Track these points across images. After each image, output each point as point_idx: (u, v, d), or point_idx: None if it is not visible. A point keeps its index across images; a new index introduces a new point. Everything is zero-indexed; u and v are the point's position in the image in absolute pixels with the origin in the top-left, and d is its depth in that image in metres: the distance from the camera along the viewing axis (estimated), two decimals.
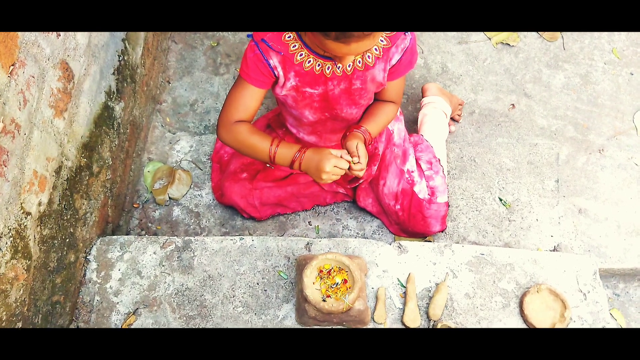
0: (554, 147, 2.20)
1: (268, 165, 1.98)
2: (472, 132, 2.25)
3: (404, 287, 1.69)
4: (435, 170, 1.98)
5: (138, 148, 2.10)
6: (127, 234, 1.99)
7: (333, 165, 1.51)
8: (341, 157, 1.53)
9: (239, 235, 1.98)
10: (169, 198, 2.06)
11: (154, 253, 1.74)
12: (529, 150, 2.19)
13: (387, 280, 1.70)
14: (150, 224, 2.03)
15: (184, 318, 1.65)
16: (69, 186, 1.57)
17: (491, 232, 2.04)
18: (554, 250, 2.01)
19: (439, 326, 1.61)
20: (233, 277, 1.70)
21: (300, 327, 1.64)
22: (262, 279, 1.70)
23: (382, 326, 1.64)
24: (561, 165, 2.18)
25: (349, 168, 1.55)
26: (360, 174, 1.57)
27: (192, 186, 2.10)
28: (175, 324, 1.64)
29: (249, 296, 1.68)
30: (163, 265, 1.72)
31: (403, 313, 1.64)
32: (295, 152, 1.54)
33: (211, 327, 1.63)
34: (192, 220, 2.04)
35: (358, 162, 1.55)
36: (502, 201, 2.09)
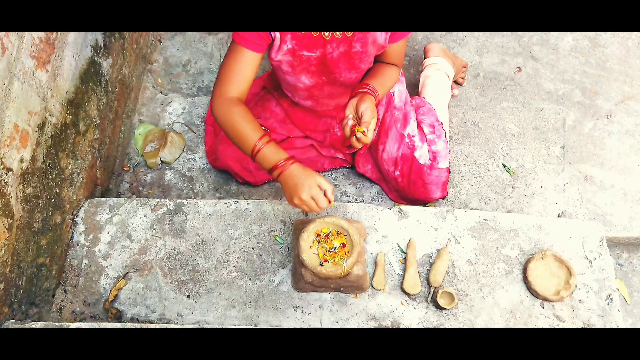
0: (560, 112, 2.13)
1: (264, 128, 1.90)
2: (476, 95, 2.17)
3: (404, 252, 1.63)
4: (437, 134, 1.90)
5: (128, 109, 2.02)
6: (117, 197, 1.91)
7: (310, 195, 1.33)
8: (325, 194, 1.36)
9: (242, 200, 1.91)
10: (161, 161, 1.98)
11: (145, 216, 1.67)
12: (535, 115, 2.12)
13: (387, 246, 1.64)
14: (141, 188, 1.96)
15: (176, 283, 1.59)
16: (53, 144, 1.49)
17: (494, 199, 1.97)
18: (558, 217, 1.95)
19: (439, 293, 1.56)
20: (227, 242, 1.64)
21: (297, 291, 1.58)
22: (257, 243, 1.64)
23: (381, 292, 1.59)
24: (567, 131, 2.10)
25: (357, 138, 1.44)
26: (366, 142, 1.46)
27: (184, 149, 2.02)
28: (166, 289, 1.58)
29: (244, 261, 1.61)
30: (154, 229, 1.65)
31: (403, 279, 1.59)
32: (281, 160, 1.36)
33: (204, 291, 1.58)
34: (185, 185, 1.97)
35: (364, 133, 1.43)
36: (506, 167, 2.02)
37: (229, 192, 1.96)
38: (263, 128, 1.90)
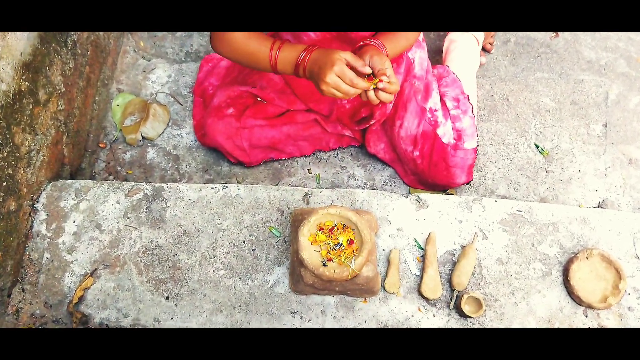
0: (602, 84, 1.85)
1: (259, 99, 1.64)
2: (506, 64, 1.89)
3: (423, 249, 1.38)
4: (463, 109, 1.63)
5: (104, 76, 1.75)
6: (91, 179, 1.67)
7: (336, 74, 1.15)
8: (352, 67, 1.17)
9: (225, 183, 1.66)
10: (142, 137, 1.72)
11: (117, 202, 1.42)
12: (573, 87, 1.84)
13: (402, 241, 1.39)
14: (119, 168, 1.71)
15: (153, 282, 1.35)
16: (3, 115, 1.24)
17: (524, 185, 1.71)
18: (598, 207, 1.69)
19: (464, 298, 1.31)
20: (214, 234, 1.39)
21: (295, 294, 1.34)
22: (250, 236, 1.39)
23: (394, 296, 1.34)
24: (610, 107, 1.82)
25: (373, 89, 1.20)
26: (389, 98, 1.21)
27: (169, 124, 1.76)
28: (142, 289, 1.34)
29: (233, 257, 1.37)
30: (128, 217, 1.40)
31: (421, 281, 1.34)
32: (301, 53, 1.22)
33: (185, 292, 1.34)
34: (170, 165, 1.72)
35: (388, 82, 1.18)
36: (539, 148, 1.75)
37: (219, 174, 1.71)
38: (259, 99, 1.65)
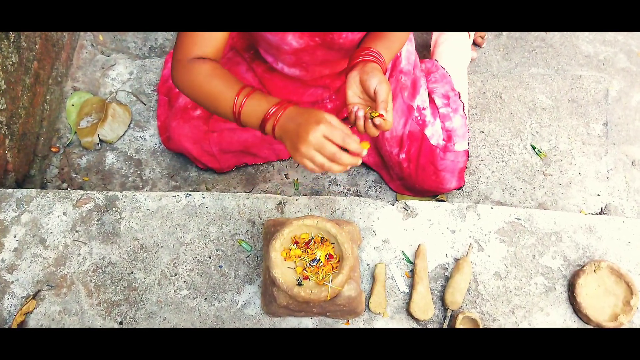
0: (602, 80, 1.72)
1: None
2: (499, 59, 1.75)
3: (412, 263, 1.23)
4: (453, 107, 1.49)
5: (57, 73, 1.58)
6: (42, 187, 1.49)
7: (322, 134, 0.91)
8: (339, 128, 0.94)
9: (193, 190, 1.50)
10: (100, 140, 1.55)
11: (64, 214, 1.25)
12: (571, 84, 1.71)
13: (389, 254, 1.24)
14: (74, 175, 1.53)
15: (105, 305, 1.18)
16: None
17: (521, 190, 1.57)
18: (601, 213, 1.55)
19: (459, 318, 1.16)
20: (175, 248, 1.22)
21: (269, 317, 1.18)
22: (217, 250, 1.23)
23: (380, 317, 1.19)
24: (611, 105, 1.69)
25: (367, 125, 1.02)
26: (388, 126, 1.02)
27: (131, 125, 1.59)
28: (91, 313, 1.17)
29: (198, 274, 1.20)
30: (77, 231, 1.23)
31: (410, 299, 1.19)
32: (272, 106, 0.97)
33: (142, 316, 1.17)
34: (132, 171, 1.55)
35: (383, 117, 1.00)
36: (536, 150, 1.61)
37: (187, 181, 1.54)
38: (248, 88, 1.48)
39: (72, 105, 1.59)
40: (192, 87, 1.05)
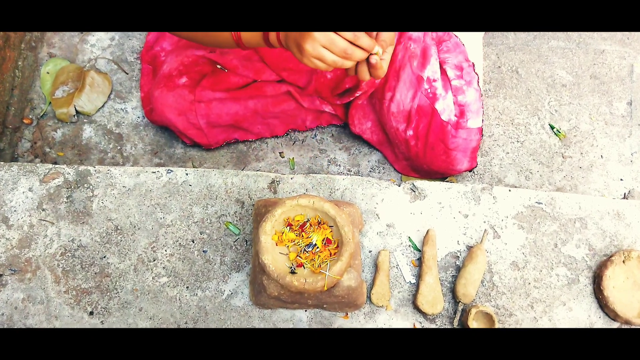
0: (626, 55, 1.58)
1: (219, 66, 1.33)
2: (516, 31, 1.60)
3: (419, 250, 1.10)
4: (467, 79, 1.34)
5: (31, 37, 1.43)
6: (12, 161, 1.35)
7: (320, 44, 0.87)
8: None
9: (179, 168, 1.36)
10: (77, 112, 1.41)
11: (30, 190, 1.11)
12: (593, 59, 1.57)
13: (394, 240, 1.10)
14: (48, 149, 1.40)
15: (73, 292, 1.04)
16: None
17: (537, 173, 1.43)
18: (624, 199, 1.42)
19: (472, 313, 1.03)
20: (154, 230, 1.09)
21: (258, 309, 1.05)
22: (200, 233, 1.09)
23: (383, 310, 1.06)
24: (636, 82, 1.55)
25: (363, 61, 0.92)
26: (383, 71, 0.93)
27: (111, 96, 1.45)
28: (59, 301, 1.04)
29: (179, 260, 1.07)
30: (43, 210, 1.10)
31: (417, 291, 1.06)
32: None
33: (116, 305, 1.04)
34: (111, 146, 1.41)
35: (380, 55, 0.91)
36: (554, 129, 1.48)
37: (172, 158, 1.41)
38: (219, 66, 1.35)
39: (47, 73, 1.44)
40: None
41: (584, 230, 1.13)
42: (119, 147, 1.41)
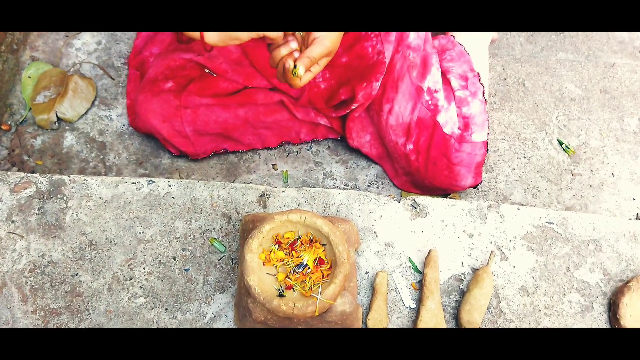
0: (638, 69, 1.51)
1: (207, 70, 1.26)
2: (522, 41, 1.54)
3: (420, 272, 1.01)
4: (472, 90, 1.27)
5: (13, 39, 1.36)
6: None
7: None
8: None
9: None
10: (58, 118, 1.33)
11: None
12: (603, 72, 1.50)
13: (393, 261, 1.02)
14: (26, 157, 1.31)
15: (42, 312, 0.95)
16: None
17: (545, 191, 1.35)
18: (638, 219, 1.34)
19: None
20: (132, 246, 1.00)
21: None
22: (183, 250, 1.01)
23: None
24: None
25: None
26: (298, 82, 0.89)
27: (95, 102, 1.37)
28: (25, 322, 0.94)
29: (158, 279, 0.98)
30: (13, 222, 1.01)
31: (417, 317, 0.97)
32: None
33: (87, 328, 0.94)
34: (93, 155, 1.32)
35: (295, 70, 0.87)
36: (563, 145, 1.40)
37: (158, 168, 1.32)
38: (207, 70, 1.28)
39: (29, 77, 1.37)
40: None
41: (599, 253, 1.05)
42: (101, 157, 1.32)
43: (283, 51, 0.88)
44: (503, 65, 1.49)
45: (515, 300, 1.00)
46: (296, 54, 0.88)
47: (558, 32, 1.55)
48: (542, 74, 1.48)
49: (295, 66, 0.85)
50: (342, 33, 0.92)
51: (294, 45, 0.88)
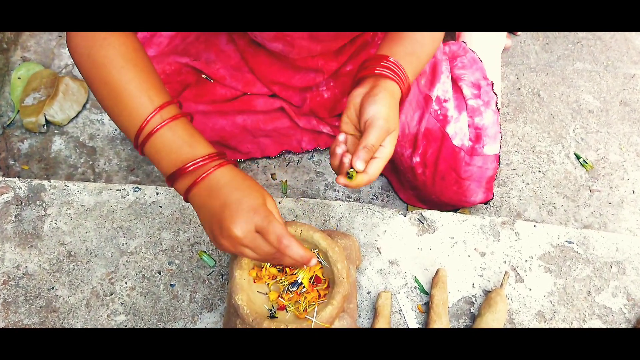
0: None
1: (204, 76, 1.19)
2: (538, 50, 1.46)
3: (427, 294, 0.93)
4: (485, 99, 1.19)
5: (4, 38, 1.31)
6: None
7: (254, 227, 0.64)
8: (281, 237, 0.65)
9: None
10: (47, 121, 1.27)
11: None
12: (623, 84, 1.42)
13: (397, 280, 0.93)
14: (12, 162, 1.25)
15: (15, 327, 0.87)
16: None
17: (562, 208, 1.27)
18: None
19: None
20: (114, 259, 0.92)
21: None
22: (169, 264, 0.93)
23: None
24: None
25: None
26: (358, 183, 0.74)
27: (87, 105, 1.31)
28: None
29: (141, 295, 0.90)
30: None
31: None
32: (199, 158, 0.67)
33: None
34: (82, 160, 1.26)
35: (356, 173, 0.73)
36: (581, 159, 1.32)
37: (150, 176, 1.25)
38: (204, 76, 1.21)
39: (19, 78, 1.31)
40: (92, 66, 0.70)
41: (622, 276, 0.96)
42: (91, 162, 1.25)
43: (338, 151, 0.74)
44: (517, 75, 1.41)
45: (531, 326, 0.92)
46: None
47: (575, 41, 1.47)
48: (558, 84, 1.40)
49: (351, 168, 0.71)
50: (397, 109, 0.81)
51: (346, 160, 0.73)
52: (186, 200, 0.69)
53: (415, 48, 0.86)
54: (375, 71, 0.80)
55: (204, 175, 0.66)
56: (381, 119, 0.74)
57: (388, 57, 0.81)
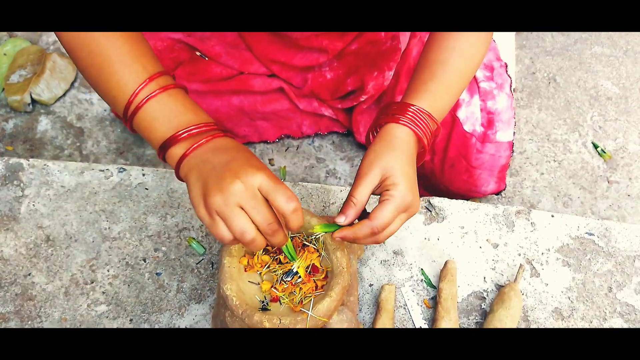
0: None
1: (198, 53, 1.12)
2: (554, 33, 1.38)
3: (434, 287, 0.85)
4: (498, 82, 1.12)
5: None
6: None
7: (255, 188, 0.56)
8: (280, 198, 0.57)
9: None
10: (32, 100, 1.20)
11: None
12: None
13: (402, 273, 0.86)
14: None
15: None
16: None
17: (578, 199, 1.19)
18: None
19: None
20: (96, 244, 0.85)
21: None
22: (155, 251, 0.86)
23: None
24: None
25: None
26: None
27: (75, 84, 1.24)
28: None
29: (124, 283, 0.83)
30: None
31: None
32: (193, 125, 0.59)
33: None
34: (69, 142, 1.19)
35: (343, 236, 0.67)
36: (598, 149, 1.24)
37: (141, 159, 1.18)
38: (198, 54, 1.13)
39: (5, 54, 1.24)
40: (76, 36, 0.62)
41: None
42: (78, 144, 1.18)
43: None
44: (532, 58, 1.33)
45: (547, 324, 0.84)
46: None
47: None
48: (575, 69, 1.33)
49: None
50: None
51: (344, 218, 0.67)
52: (179, 164, 0.60)
53: (447, 82, 0.74)
54: (404, 121, 0.69)
55: (208, 138, 0.59)
56: (399, 192, 0.69)
57: (412, 104, 0.70)
